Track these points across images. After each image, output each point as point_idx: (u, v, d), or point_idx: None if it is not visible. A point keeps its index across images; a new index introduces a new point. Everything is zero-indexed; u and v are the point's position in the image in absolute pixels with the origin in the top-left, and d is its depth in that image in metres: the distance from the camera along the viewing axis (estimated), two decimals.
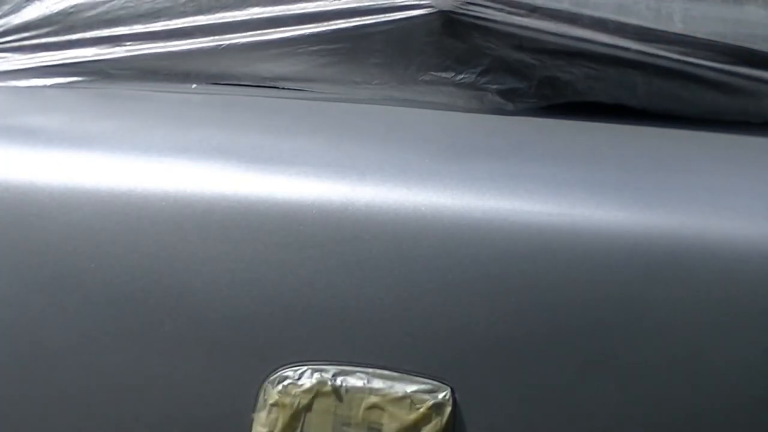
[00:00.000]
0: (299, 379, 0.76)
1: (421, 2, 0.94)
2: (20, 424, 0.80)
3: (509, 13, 0.95)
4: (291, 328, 0.76)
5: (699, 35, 0.95)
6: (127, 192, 0.78)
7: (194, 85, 1.00)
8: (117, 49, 1.01)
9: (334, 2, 0.97)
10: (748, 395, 0.73)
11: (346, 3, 0.96)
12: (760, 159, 0.90)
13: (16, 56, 1.03)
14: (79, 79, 1.01)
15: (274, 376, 0.76)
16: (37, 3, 1.04)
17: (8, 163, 0.81)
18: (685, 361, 0.73)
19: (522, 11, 0.95)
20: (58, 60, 1.02)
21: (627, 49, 0.95)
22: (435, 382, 0.75)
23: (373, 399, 0.75)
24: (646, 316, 0.73)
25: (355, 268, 0.75)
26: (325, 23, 0.97)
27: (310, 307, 0.75)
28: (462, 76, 0.96)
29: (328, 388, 0.75)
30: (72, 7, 1.02)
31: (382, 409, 0.75)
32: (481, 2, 0.95)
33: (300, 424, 0.76)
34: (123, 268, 0.77)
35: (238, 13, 0.99)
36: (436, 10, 0.94)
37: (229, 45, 0.99)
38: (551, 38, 0.95)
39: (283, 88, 0.99)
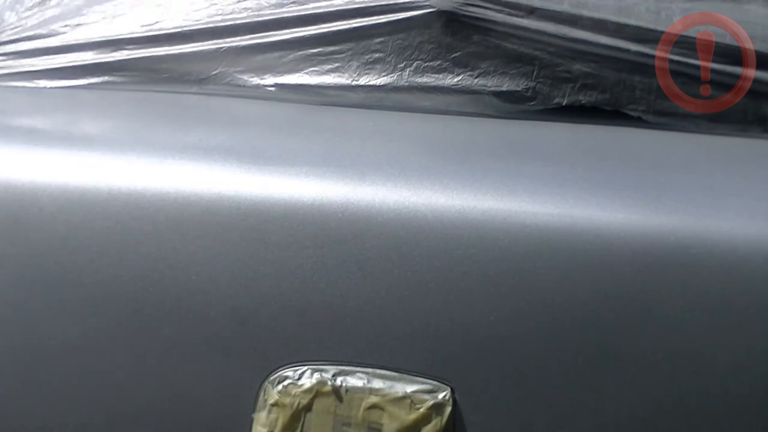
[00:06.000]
0: (299, 379, 0.76)
1: (421, 3, 0.95)
2: (20, 424, 0.79)
3: (509, 14, 0.95)
4: (291, 328, 0.76)
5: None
6: (127, 192, 0.78)
7: (194, 87, 1.00)
8: (118, 53, 1.01)
9: (333, 3, 0.97)
10: (748, 395, 0.73)
11: (345, 4, 0.97)
12: (760, 159, 0.90)
13: (20, 61, 1.03)
14: (81, 81, 1.02)
15: (274, 376, 0.76)
16: (38, 11, 1.04)
17: (8, 163, 0.81)
18: (685, 361, 0.73)
19: (521, 12, 0.95)
20: (59, 63, 1.02)
21: (627, 51, 0.95)
22: (435, 382, 0.75)
23: (373, 399, 0.75)
24: (646, 316, 0.73)
25: (355, 268, 0.75)
26: (324, 24, 0.97)
27: (310, 307, 0.75)
28: (461, 77, 0.96)
29: (328, 388, 0.75)
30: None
31: (382, 409, 0.75)
32: (480, 3, 0.95)
33: (300, 424, 0.76)
34: (123, 268, 0.77)
35: (238, 15, 0.99)
36: (436, 10, 0.94)
37: (228, 47, 0.99)
38: (550, 40, 0.95)
39: (283, 90, 0.99)
